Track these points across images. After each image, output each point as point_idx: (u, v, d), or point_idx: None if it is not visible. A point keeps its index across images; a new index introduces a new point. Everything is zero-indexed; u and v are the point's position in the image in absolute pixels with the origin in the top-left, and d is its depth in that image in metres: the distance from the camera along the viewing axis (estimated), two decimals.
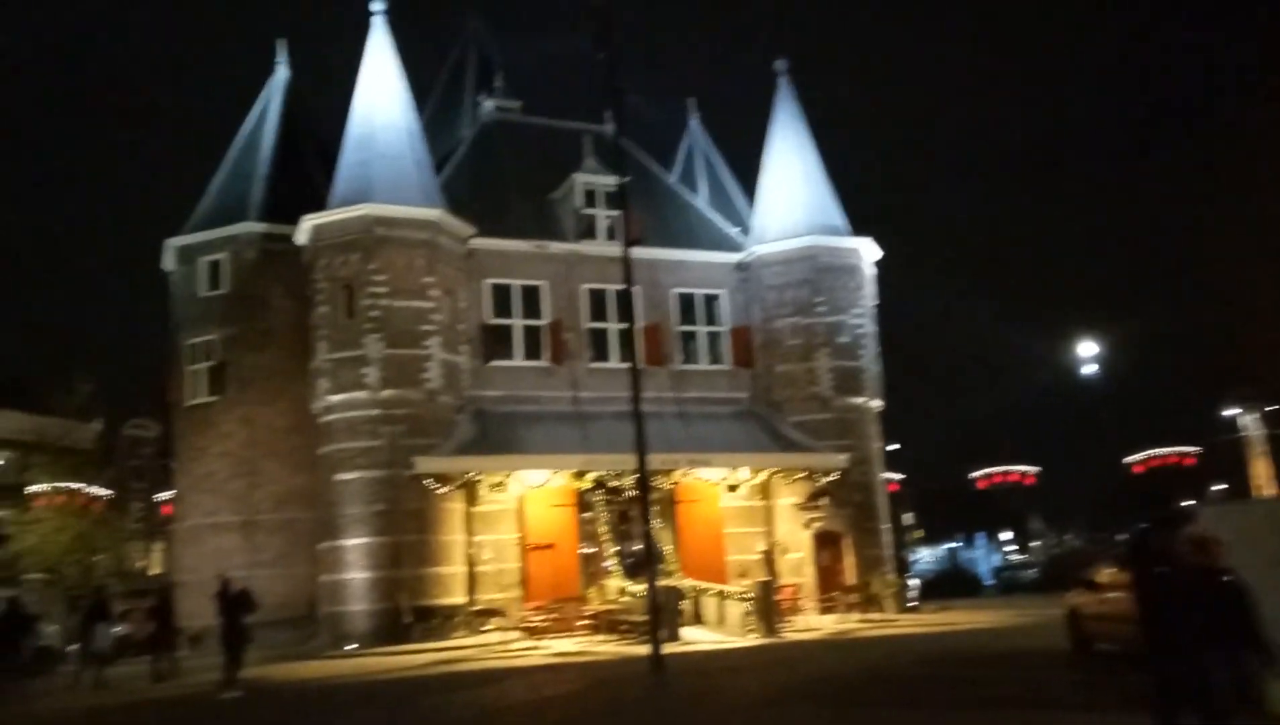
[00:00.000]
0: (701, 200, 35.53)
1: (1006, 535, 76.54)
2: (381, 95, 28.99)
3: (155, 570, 45.20)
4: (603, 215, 30.58)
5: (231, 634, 17.75)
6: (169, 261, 32.22)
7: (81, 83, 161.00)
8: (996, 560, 70.18)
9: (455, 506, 26.53)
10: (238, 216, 31.46)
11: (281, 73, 34.77)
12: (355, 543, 25.68)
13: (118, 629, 22.97)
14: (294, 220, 28.19)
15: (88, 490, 43.85)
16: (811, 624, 25.91)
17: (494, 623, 25.29)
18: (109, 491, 45.25)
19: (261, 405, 30.23)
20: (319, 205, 28.09)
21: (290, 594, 27.67)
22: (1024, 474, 66.80)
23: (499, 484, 26.36)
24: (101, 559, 43.33)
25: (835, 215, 32.40)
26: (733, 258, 31.90)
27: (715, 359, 31.19)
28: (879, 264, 32.60)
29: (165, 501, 40.74)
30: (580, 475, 26.67)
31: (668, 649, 17.35)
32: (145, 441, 52.71)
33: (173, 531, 32.24)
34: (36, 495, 43.51)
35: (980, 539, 74.27)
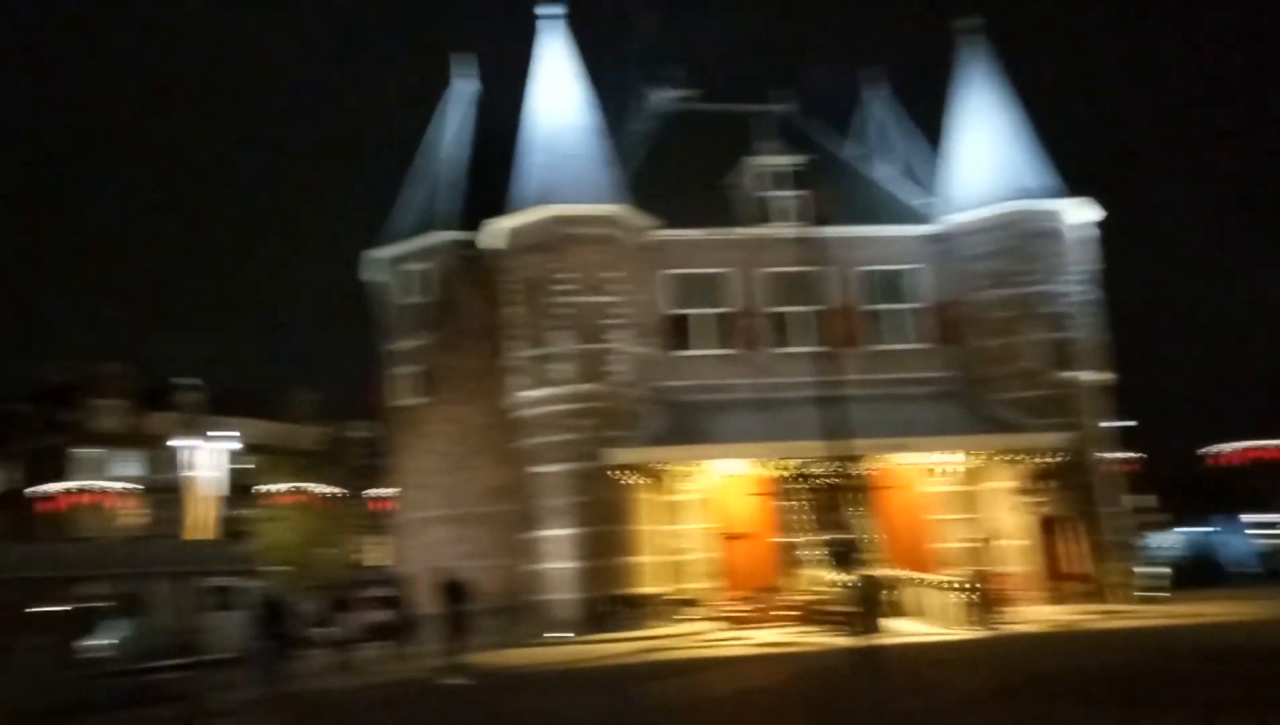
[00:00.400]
0: (885, 173, 34.39)
1: (1272, 517, 69.76)
2: (558, 96, 29.60)
3: (379, 562, 48.10)
4: (782, 197, 30.14)
5: (454, 622, 18.73)
6: (370, 273, 34.00)
7: (268, 111, 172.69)
8: (1257, 544, 64.10)
9: (647, 497, 26.86)
10: (433, 226, 32.84)
11: (463, 83, 36.00)
12: (555, 534, 26.51)
13: (358, 617, 24.38)
14: (485, 226, 29.22)
15: (317, 489, 47.31)
16: (1032, 615, 24.60)
17: (692, 612, 25.48)
18: (335, 489, 48.64)
19: (464, 404, 31.48)
20: (507, 209, 28.97)
21: (500, 583, 28.70)
22: None
23: (690, 474, 26.52)
24: (332, 552, 46.71)
25: (1039, 177, 30.33)
26: (924, 230, 30.73)
27: (911, 337, 30.13)
28: (1106, 225, 30.29)
29: (384, 497, 43.25)
30: (773, 463, 26.45)
31: (874, 641, 16.98)
32: (364, 442, 56.32)
33: (393, 525, 34.12)
34: (274, 494, 47.29)
35: (1237, 521, 67.95)
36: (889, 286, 30.31)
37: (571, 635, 25.01)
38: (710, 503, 27.44)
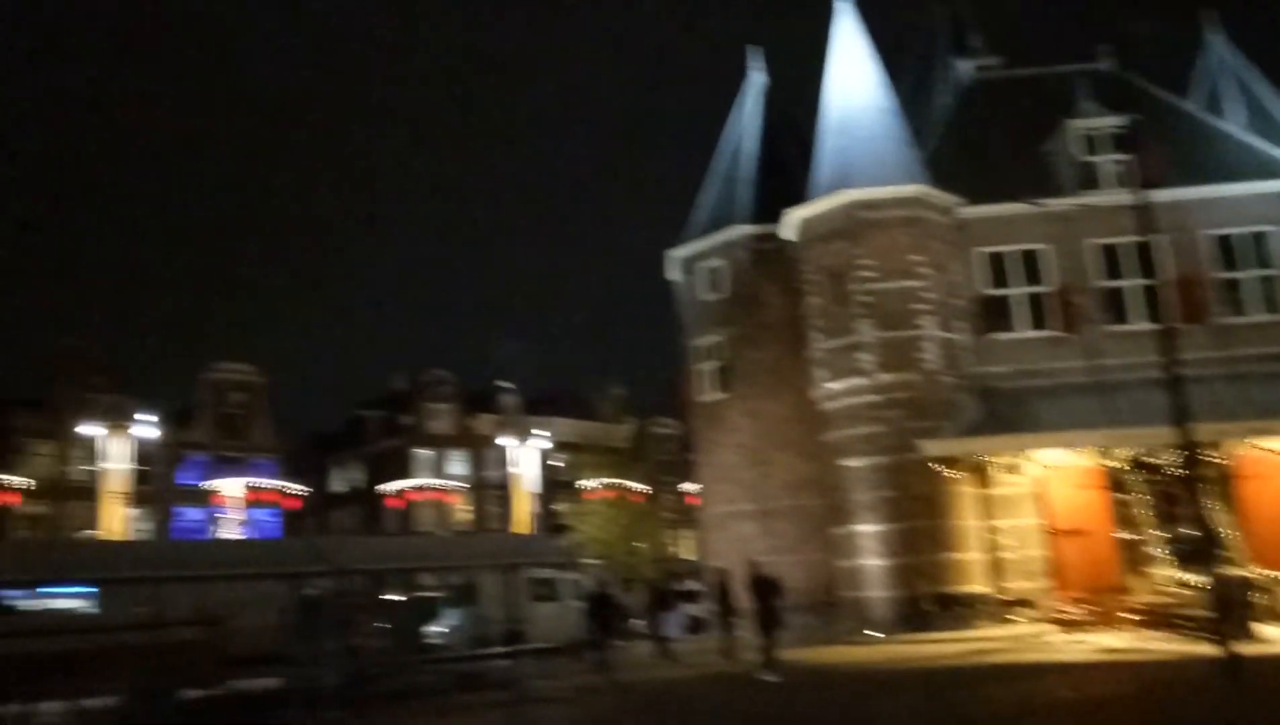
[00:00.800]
0: (1234, 125, 30.49)
1: None
2: (853, 79, 28.69)
3: (688, 556, 48.88)
4: (1107, 161, 27.48)
5: (765, 618, 18.43)
6: (673, 272, 34.53)
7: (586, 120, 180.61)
8: None
9: (966, 490, 25.31)
10: (729, 221, 32.87)
11: (756, 76, 35.87)
12: (867, 529, 25.56)
13: (674, 610, 24.61)
14: (780, 218, 28.84)
15: (627, 484, 48.81)
16: None
17: (1022, 613, 23.71)
18: (644, 485, 49.98)
19: (766, 398, 31.22)
20: (802, 199, 28.43)
21: (808, 579, 28.17)
22: None
23: (1012, 466, 24.68)
24: (644, 546, 47.96)
25: None
26: None
27: (1275, 308, 26.49)
28: None
29: (691, 492, 43.86)
30: (1108, 452, 24.06)
31: (1242, 649, 14.88)
32: (670, 438, 57.54)
33: (700, 520, 34.45)
34: (588, 490, 49.27)
35: None
36: (1245, 251, 26.76)
37: (882, 635, 24.03)
38: (1036, 496, 25.43)
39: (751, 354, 31.69)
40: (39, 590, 19.43)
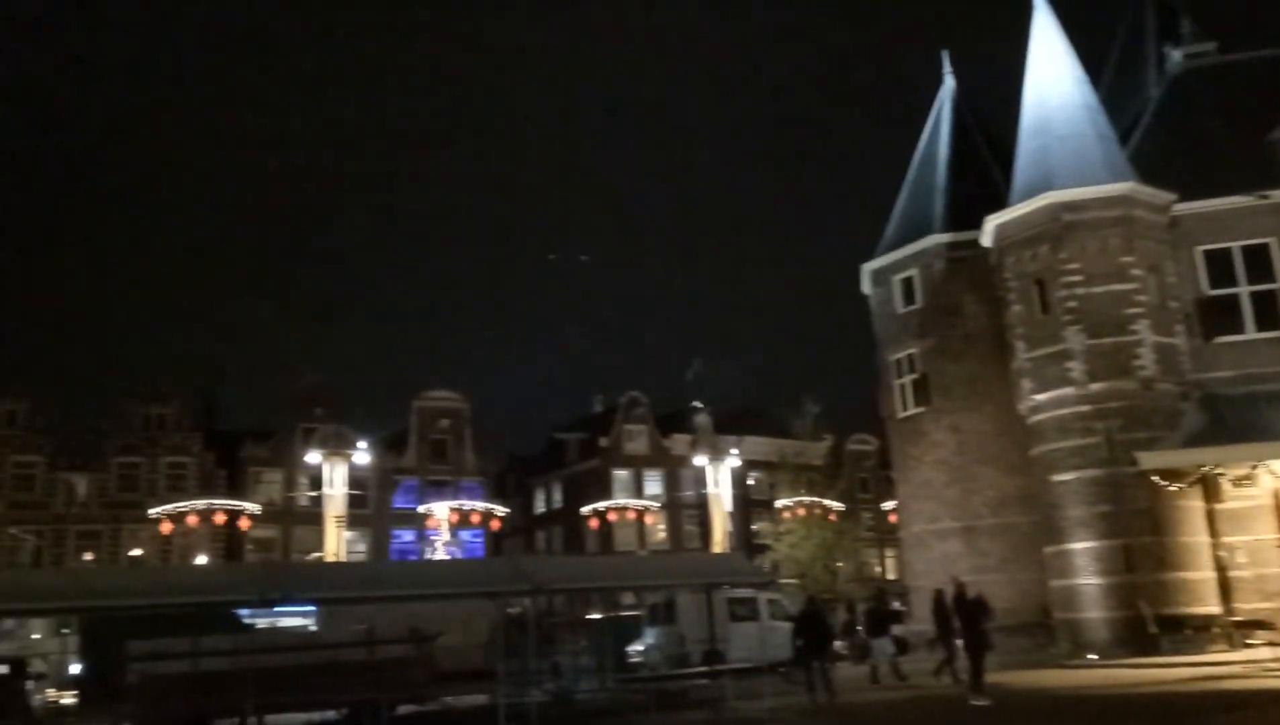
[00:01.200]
0: None
1: None
2: (1052, 77, 27.50)
3: (889, 576, 47.65)
4: None
5: (972, 640, 17.73)
6: (866, 285, 33.90)
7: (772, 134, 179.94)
8: None
9: (1192, 504, 23.63)
10: (923, 231, 32.04)
11: (949, 82, 34.91)
12: (1081, 546, 24.19)
13: (881, 631, 23.82)
14: (976, 225, 27.95)
15: (824, 502, 48.02)
16: None
17: (1259, 636, 21.82)
18: (842, 503, 49.03)
19: (966, 412, 30.16)
20: (999, 204, 27.43)
21: (1017, 599, 26.93)
22: None
23: (1245, 477, 22.87)
24: (843, 565, 47.03)
25: None
26: None
27: None
28: None
29: (890, 510, 42.73)
30: None
31: None
32: (867, 455, 56.37)
33: (900, 538, 33.54)
34: (783, 509, 48.78)
35: None
36: None
37: (1096, 658, 22.62)
38: (1273, 509, 23.39)
39: (950, 366, 30.70)
40: (270, 609, 20.88)
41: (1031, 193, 26.14)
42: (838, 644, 26.05)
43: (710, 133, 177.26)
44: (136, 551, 45.27)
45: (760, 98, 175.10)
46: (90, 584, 16.34)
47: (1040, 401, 25.38)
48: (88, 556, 45.05)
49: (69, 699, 23.94)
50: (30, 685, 19.44)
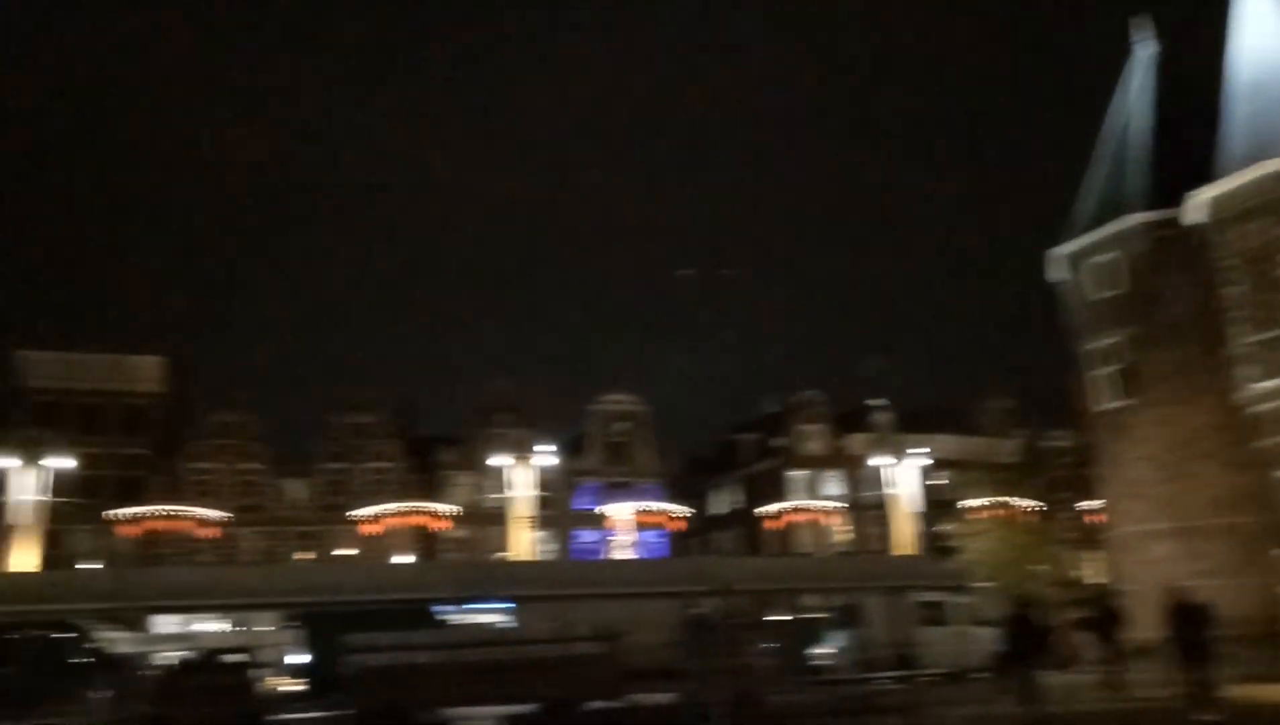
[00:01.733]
0: None
1: None
2: (1265, 37, 25.24)
3: (1094, 579, 44.89)
4: None
5: (1193, 650, 16.31)
6: (1057, 271, 32.06)
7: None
8: None
9: None
10: (1121, 210, 30.03)
11: (1143, 48, 32.58)
12: None
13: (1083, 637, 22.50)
14: (1180, 201, 25.89)
15: (1017, 503, 45.76)
16: None
17: None
18: (1036, 503, 46.59)
19: (1178, 403, 28.08)
20: (1207, 177, 25.36)
21: (1242, 606, 24.77)
22: None
23: None
24: (1041, 569, 44.63)
25: None
26: None
27: None
28: None
29: (1093, 510, 40.30)
30: None
31: None
32: (1064, 451, 53.31)
33: (1107, 540, 31.57)
34: (974, 509, 46.79)
35: None
36: None
37: None
38: None
39: (1158, 355, 28.65)
40: (465, 606, 21.48)
41: (1247, 162, 24.21)
42: (1061, 651, 24.64)
43: (877, 118, 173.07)
44: (349, 551, 47.74)
45: (916, 79, 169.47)
46: (320, 581, 17.17)
47: (1264, 390, 23.35)
48: (308, 555, 47.78)
49: (287, 686, 25.30)
50: (255, 674, 20.66)
